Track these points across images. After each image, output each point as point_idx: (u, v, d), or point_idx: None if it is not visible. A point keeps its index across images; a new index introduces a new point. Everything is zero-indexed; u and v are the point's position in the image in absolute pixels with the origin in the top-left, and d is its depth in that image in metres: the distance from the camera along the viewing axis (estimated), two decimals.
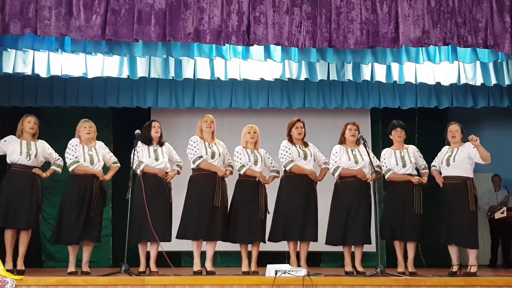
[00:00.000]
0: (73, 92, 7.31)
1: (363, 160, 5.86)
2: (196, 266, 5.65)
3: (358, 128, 6.03)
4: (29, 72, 6.42)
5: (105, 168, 5.96)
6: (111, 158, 6.03)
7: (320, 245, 6.01)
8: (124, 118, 7.86)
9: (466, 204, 5.72)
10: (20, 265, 5.65)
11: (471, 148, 5.78)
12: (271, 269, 4.85)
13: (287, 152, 5.89)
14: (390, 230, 5.92)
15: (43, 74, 6.49)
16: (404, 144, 6.13)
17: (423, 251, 7.43)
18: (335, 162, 5.90)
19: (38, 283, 4.70)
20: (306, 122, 6.05)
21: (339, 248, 6.01)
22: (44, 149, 5.87)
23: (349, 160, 5.86)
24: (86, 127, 5.82)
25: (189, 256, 5.83)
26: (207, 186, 5.67)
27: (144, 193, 5.52)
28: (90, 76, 6.66)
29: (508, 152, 8.45)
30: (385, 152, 6.14)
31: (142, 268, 5.71)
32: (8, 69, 6.33)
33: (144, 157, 5.73)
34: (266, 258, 5.96)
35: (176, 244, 5.94)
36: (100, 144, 5.95)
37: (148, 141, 5.83)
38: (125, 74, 6.67)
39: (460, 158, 5.81)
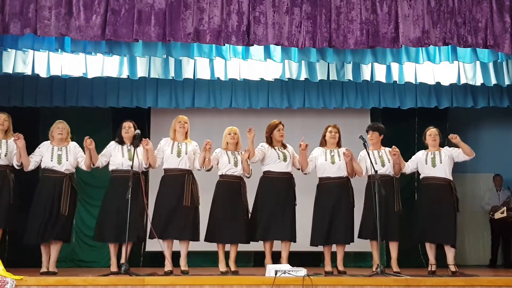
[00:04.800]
0: (73, 92, 7.31)
1: (339, 160, 5.88)
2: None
3: (338, 130, 6.05)
4: (29, 72, 6.43)
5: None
6: None
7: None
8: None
9: (453, 206, 5.87)
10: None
11: (452, 150, 5.96)
12: (271, 269, 4.85)
13: (258, 149, 5.90)
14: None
15: (43, 74, 6.49)
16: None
17: (423, 251, 7.40)
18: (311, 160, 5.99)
19: (38, 283, 4.71)
20: (306, 122, 6.07)
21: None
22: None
23: (326, 160, 5.90)
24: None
25: (188, 256, 5.82)
26: (176, 187, 5.70)
27: (144, 192, 5.58)
28: (90, 76, 6.66)
29: (508, 152, 8.45)
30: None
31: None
32: (8, 69, 6.34)
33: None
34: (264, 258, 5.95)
35: (176, 244, 5.93)
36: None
37: (121, 142, 5.89)
38: (125, 74, 6.68)
39: (445, 160, 5.93)
